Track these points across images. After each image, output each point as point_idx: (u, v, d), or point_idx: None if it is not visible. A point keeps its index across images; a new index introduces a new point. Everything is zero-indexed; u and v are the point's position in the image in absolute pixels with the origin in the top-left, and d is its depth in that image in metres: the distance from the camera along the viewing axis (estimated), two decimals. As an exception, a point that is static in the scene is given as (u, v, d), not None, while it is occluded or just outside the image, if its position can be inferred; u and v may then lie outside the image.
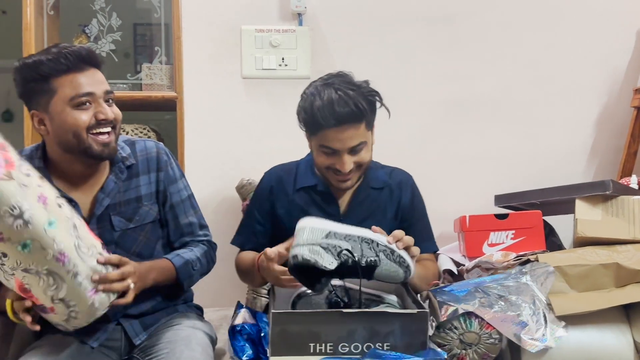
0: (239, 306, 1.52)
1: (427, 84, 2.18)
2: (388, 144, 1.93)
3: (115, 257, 1.30)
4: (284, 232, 1.58)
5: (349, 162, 1.49)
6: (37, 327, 1.25)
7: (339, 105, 1.43)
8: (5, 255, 1.13)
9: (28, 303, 1.21)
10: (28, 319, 1.22)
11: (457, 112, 2.20)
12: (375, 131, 1.59)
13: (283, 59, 2.11)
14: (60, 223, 1.18)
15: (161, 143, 1.57)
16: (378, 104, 1.53)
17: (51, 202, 1.18)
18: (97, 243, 1.28)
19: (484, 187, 2.11)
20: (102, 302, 1.25)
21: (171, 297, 1.54)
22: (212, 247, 1.60)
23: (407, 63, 2.17)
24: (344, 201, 1.62)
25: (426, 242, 1.66)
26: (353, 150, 1.49)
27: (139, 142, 1.51)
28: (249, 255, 1.61)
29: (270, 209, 1.65)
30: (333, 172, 1.53)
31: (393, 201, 1.65)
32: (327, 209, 1.60)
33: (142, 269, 1.37)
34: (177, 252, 1.51)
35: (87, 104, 1.33)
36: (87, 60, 1.34)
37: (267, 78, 2.14)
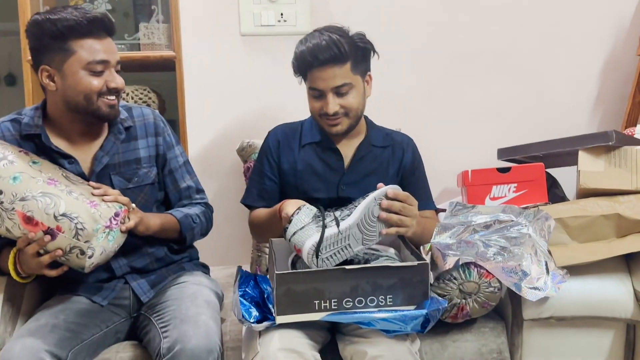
0: (240, 271, 1.51)
1: (428, 36, 2.15)
2: (389, 98, 1.91)
3: (110, 189, 1.36)
4: (288, 187, 1.62)
5: (333, 103, 1.51)
6: (53, 273, 1.30)
7: (321, 46, 1.48)
8: (1, 192, 1.25)
9: (33, 247, 1.24)
10: (45, 259, 1.25)
11: (460, 65, 2.17)
12: (374, 85, 1.60)
13: (282, 14, 2.07)
14: (44, 164, 1.33)
15: (157, 111, 1.59)
16: (372, 54, 1.56)
17: (33, 156, 1.34)
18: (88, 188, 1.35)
19: (487, 141, 2.11)
20: (103, 213, 1.28)
21: (175, 252, 1.56)
22: (209, 209, 1.62)
23: (407, 16, 2.13)
24: (347, 156, 1.64)
25: (425, 200, 1.68)
26: (338, 92, 1.51)
27: (135, 108, 1.53)
28: (265, 210, 1.62)
29: (278, 163, 1.65)
30: (325, 118, 1.55)
31: (395, 160, 1.67)
32: (332, 163, 1.62)
33: (144, 213, 1.42)
34: (175, 208, 1.55)
35: (101, 70, 1.37)
36: (107, 29, 1.38)
37: (266, 35, 2.10)
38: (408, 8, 2.13)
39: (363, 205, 1.32)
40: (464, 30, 2.15)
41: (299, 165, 1.63)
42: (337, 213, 1.36)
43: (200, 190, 1.62)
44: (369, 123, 1.71)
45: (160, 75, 2.26)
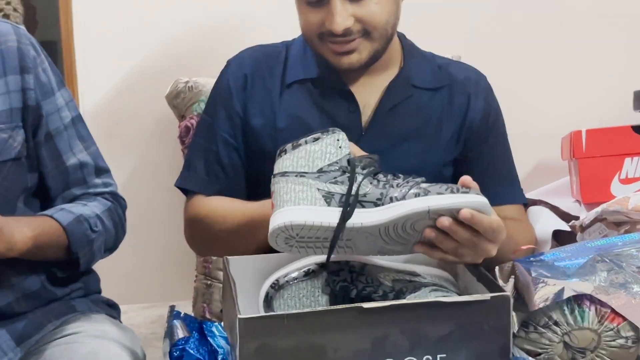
0: (173, 314, 1.49)
1: None
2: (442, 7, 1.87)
3: None
4: (261, 159, 1.59)
5: (342, 13, 1.50)
6: None
7: None
8: None
9: None
10: None
11: None
12: None
13: None
14: None
15: (22, 27, 1.54)
16: None
17: None
18: None
19: (612, 78, 2.08)
20: None
21: (60, 282, 1.52)
22: (119, 203, 1.60)
23: None
24: (367, 105, 1.62)
25: (508, 186, 1.66)
26: None
27: None
28: (235, 203, 1.61)
29: (243, 116, 1.64)
30: (329, 40, 1.54)
31: (454, 112, 1.65)
32: (340, 117, 1.61)
33: (2, 219, 1.36)
34: (60, 206, 1.51)
35: None
36: None
37: None
38: None
39: (407, 210, 1.27)
40: None
41: (281, 119, 1.60)
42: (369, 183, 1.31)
43: (102, 171, 1.58)
44: (408, 47, 1.68)
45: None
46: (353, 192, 1.27)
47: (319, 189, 1.29)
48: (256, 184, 1.59)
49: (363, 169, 1.31)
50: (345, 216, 1.26)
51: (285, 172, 1.29)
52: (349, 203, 1.27)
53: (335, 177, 1.30)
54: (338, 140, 1.32)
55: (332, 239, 1.27)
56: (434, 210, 1.28)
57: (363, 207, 1.30)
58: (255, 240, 1.50)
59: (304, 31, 1.59)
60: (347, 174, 1.29)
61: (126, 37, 2.10)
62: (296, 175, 1.29)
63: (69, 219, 1.47)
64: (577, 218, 1.73)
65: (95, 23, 2.07)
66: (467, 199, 1.29)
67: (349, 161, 1.31)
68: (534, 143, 2.07)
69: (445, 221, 1.27)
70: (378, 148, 1.53)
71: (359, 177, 1.29)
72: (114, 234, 1.57)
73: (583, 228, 1.68)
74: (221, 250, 1.60)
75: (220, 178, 1.65)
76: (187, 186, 1.67)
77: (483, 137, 1.65)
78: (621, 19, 2.17)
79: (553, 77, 2.18)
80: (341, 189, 1.29)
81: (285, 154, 1.31)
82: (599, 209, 1.65)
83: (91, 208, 1.53)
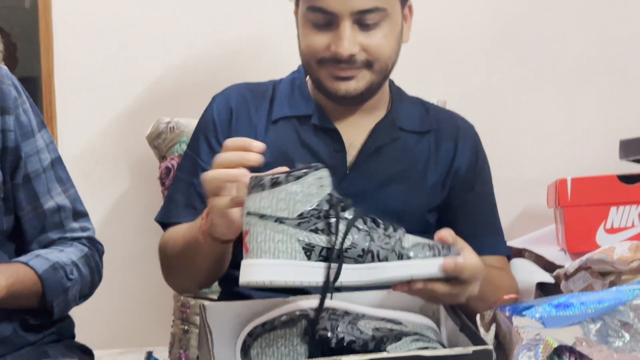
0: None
1: None
2: (428, 53, 1.88)
3: None
4: None
5: (351, 39, 1.52)
6: None
7: None
8: None
9: None
10: None
11: None
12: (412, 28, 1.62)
13: None
14: None
15: (4, 66, 1.54)
16: None
17: None
18: None
19: (598, 127, 2.09)
20: None
21: (33, 328, 1.51)
22: (96, 248, 1.59)
23: None
24: (353, 145, 1.62)
25: (492, 236, 1.65)
26: (361, 22, 1.52)
27: None
28: (182, 227, 1.58)
29: None
30: (331, 64, 1.55)
31: (440, 157, 1.65)
32: (325, 155, 1.60)
33: None
34: (35, 252, 1.50)
35: None
36: None
37: None
38: None
39: (389, 277, 1.25)
40: None
41: (265, 154, 1.57)
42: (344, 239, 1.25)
43: (80, 214, 1.58)
44: (396, 91, 1.69)
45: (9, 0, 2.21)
46: (337, 245, 1.23)
47: (299, 240, 1.24)
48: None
49: (343, 210, 1.26)
50: (330, 278, 1.23)
51: (264, 215, 1.24)
52: (335, 259, 1.23)
53: (315, 224, 1.25)
54: (320, 178, 1.26)
55: (320, 301, 1.24)
56: (416, 277, 1.26)
57: (343, 262, 1.27)
58: (196, 266, 1.48)
59: (305, 53, 1.59)
60: (329, 219, 1.24)
61: (108, 76, 2.12)
62: (275, 221, 1.24)
63: (45, 266, 1.46)
64: (561, 266, 1.72)
65: (76, 61, 2.11)
66: (447, 257, 1.27)
67: (330, 205, 1.26)
68: (520, 189, 2.07)
69: (419, 284, 1.26)
70: (362, 189, 1.57)
71: (342, 226, 1.25)
72: (89, 281, 1.55)
73: (567, 276, 1.66)
74: (179, 278, 1.62)
75: (198, 209, 1.60)
76: (164, 219, 1.66)
77: (469, 185, 1.65)
78: (609, 68, 2.19)
79: (540, 123, 2.20)
80: (321, 240, 1.24)
81: (263, 190, 1.24)
82: (583, 258, 1.64)
83: (67, 254, 1.52)
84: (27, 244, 1.54)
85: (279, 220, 1.23)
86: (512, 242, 1.93)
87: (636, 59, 2.19)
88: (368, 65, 1.55)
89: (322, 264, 1.23)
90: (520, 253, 1.93)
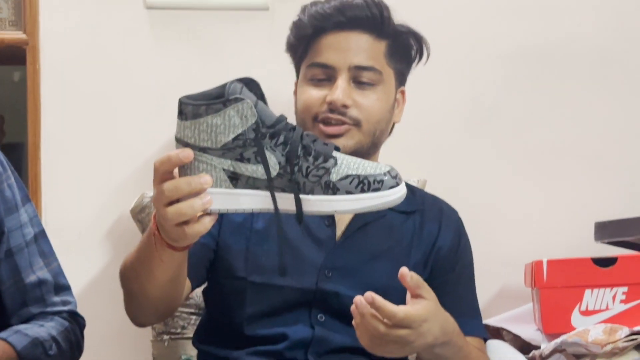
0: None
1: (471, 27, 2.27)
2: (407, 133, 1.93)
3: None
4: (230, 260, 1.61)
5: (346, 91, 1.61)
6: None
7: (352, 4, 1.63)
8: None
9: None
10: None
11: (528, 72, 2.27)
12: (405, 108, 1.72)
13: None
14: None
15: None
16: (415, 56, 1.74)
17: None
18: None
19: (574, 209, 2.14)
20: None
21: None
22: (77, 322, 1.58)
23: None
24: (342, 219, 1.66)
25: (470, 318, 1.66)
26: (357, 79, 1.63)
27: None
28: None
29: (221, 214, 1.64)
30: (321, 122, 1.62)
31: (424, 237, 1.69)
32: (317, 229, 1.64)
33: None
34: (15, 328, 1.49)
35: None
36: None
37: (190, 9, 2.14)
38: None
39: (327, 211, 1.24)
40: (536, 18, 2.26)
41: (258, 222, 1.63)
42: None
43: (62, 288, 1.58)
44: None
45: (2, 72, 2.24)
46: (263, 176, 1.22)
47: (224, 169, 1.23)
48: (218, 276, 1.62)
49: (272, 137, 1.23)
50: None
51: (187, 144, 1.22)
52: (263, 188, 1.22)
53: (241, 153, 1.22)
54: (241, 110, 1.21)
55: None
56: (339, 212, 1.27)
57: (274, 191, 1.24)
58: (153, 280, 1.43)
59: (301, 111, 1.66)
60: (254, 148, 1.22)
61: (94, 149, 2.12)
62: (199, 150, 1.22)
63: (24, 342, 1.46)
64: (537, 347, 1.74)
65: (63, 135, 2.09)
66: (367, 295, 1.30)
67: (257, 134, 1.22)
68: (498, 268, 2.09)
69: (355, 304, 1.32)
70: (349, 263, 1.62)
71: (270, 155, 1.23)
72: (69, 356, 1.54)
73: (542, 358, 1.69)
74: (136, 301, 1.56)
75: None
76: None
77: (450, 266, 1.68)
78: (583, 153, 2.21)
79: (517, 204, 2.21)
80: (247, 169, 1.22)
81: (186, 120, 1.22)
82: (558, 340, 1.67)
83: (47, 329, 1.51)
84: (7, 317, 1.53)
85: (203, 149, 1.22)
86: (490, 320, 1.95)
87: (609, 144, 2.22)
88: (357, 123, 1.62)
89: (250, 191, 1.23)
90: (497, 332, 1.94)
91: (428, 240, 1.68)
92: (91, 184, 2.11)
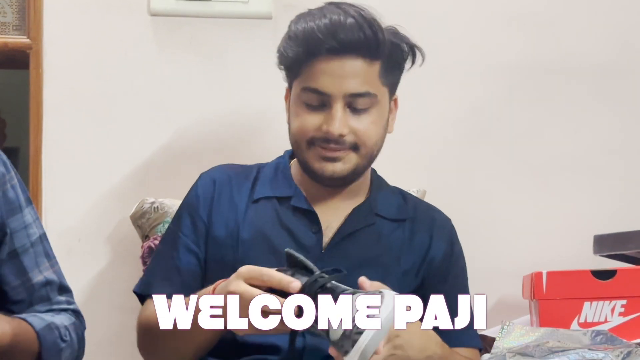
0: None
1: (474, 39, 2.29)
2: (405, 143, 1.94)
3: None
4: (219, 272, 1.57)
5: (342, 120, 1.59)
6: None
7: (344, 24, 1.57)
8: None
9: None
10: None
11: (529, 87, 2.28)
12: (397, 123, 1.69)
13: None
14: None
15: None
16: (407, 63, 1.68)
17: None
18: None
19: (573, 222, 2.15)
20: None
21: None
22: (80, 320, 1.59)
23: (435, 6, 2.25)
24: (330, 227, 1.66)
25: (464, 329, 1.57)
26: (353, 106, 1.60)
27: None
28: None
29: (207, 225, 1.67)
30: (320, 145, 1.61)
31: (414, 246, 1.69)
32: (303, 237, 1.64)
33: None
34: (32, 313, 1.51)
35: None
36: None
37: (194, 16, 2.15)
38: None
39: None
40: (537, 30, 2.28)
41: (244, 231, 1.63)
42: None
43: (65, 289, 1.59)
44: (377, 180, 1.74)
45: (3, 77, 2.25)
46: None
47: None
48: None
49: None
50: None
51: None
52: None
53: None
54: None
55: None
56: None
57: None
58: (184, 349, 1.49)
59: (295, 133, 1.65)
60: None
61: (95, 155, 2.13)
62: None
63: (42, 324, 1.47)
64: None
65: (65, 139, 2.11)
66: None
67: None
68: (495, 280, 2.10)
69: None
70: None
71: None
72: (77, 349, 1.55)
73: (540, 367, 1.69)
74: (160, 358, 1.62)
75: (175, 282, 1.63)
76: (143, 290, 1.67)
77: (442, 276, 1.69)
78: (585, 164, 2.24)
79: (516, 216, 2.22)
80: None
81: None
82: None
83: (60, 319, 1.53)
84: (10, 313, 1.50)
85: None
86: (487, 332, 1.95)
87: (609, 157, 2.24)
88: (355, 148, 1.61)
89: None
90: (494, 342, 1.95)
91: (419, 250, 1.70)
92: (92, 189, 2.12)
